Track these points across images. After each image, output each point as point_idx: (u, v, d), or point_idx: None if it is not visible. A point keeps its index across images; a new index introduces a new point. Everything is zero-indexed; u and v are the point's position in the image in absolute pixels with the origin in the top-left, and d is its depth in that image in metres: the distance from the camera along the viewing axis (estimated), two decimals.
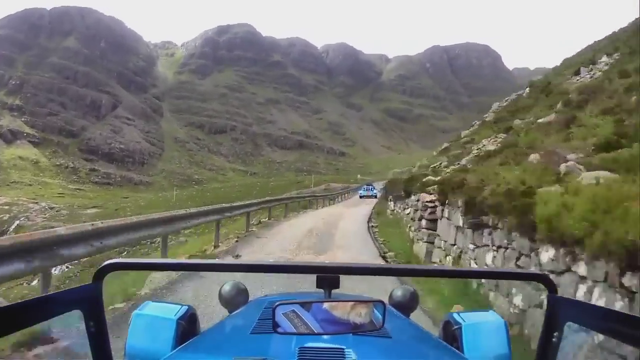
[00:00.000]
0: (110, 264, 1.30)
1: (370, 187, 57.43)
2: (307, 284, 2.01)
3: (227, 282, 2.82)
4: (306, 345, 1.52)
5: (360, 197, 52.75)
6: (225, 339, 1.97)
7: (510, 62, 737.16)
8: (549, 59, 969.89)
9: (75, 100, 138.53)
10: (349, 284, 1.63)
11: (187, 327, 2.11)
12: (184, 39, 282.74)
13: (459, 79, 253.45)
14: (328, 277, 1.46)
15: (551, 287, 1.29)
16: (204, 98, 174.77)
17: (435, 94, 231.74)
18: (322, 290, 1.49)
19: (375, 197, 49.99)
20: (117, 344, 1.67)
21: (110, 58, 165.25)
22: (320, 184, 67.15)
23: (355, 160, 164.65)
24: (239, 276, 2.98)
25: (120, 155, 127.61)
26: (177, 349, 1.82)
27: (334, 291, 1.49)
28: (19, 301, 1.04)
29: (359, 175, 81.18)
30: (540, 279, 1.36)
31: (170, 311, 2.12)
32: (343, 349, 1.50)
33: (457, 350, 1.95)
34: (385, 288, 3.01)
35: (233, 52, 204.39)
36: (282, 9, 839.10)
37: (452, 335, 2.13)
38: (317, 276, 1.44)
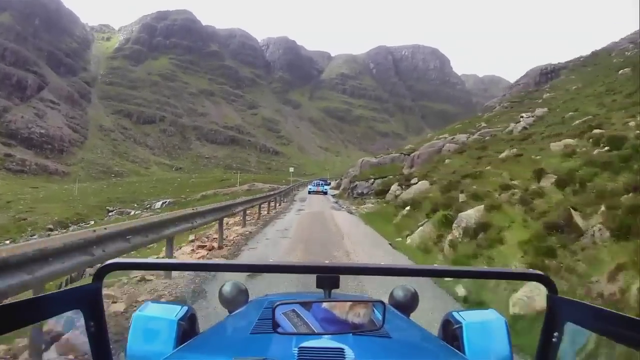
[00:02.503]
0: (111, 264, 1.34)
1: (321, 182, 57.15)
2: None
3: (227, 282, 2.86)
4: (306, 345, 1.55)
5: (309, 192, 51.80)
6: (225, 339, 2.01)
7: (459, 67, 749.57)
8: (497, 66, 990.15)
9: (0, 79, 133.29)
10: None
11: (187, 328, 2.16)
12: (123, 23, 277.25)
13: (403, 81, 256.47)
14: (328, 277, 1.49)
15: (551, 287, 1.31)
16: (135, 85, 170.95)
17: (378, 96, 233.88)
18: (322, 290, 1.53)
19: (325, 193, 49.72)
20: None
21: (43, 37, 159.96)
22: (247, 183, 65.82)
23: (289, 160, 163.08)
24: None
25: (40, 141, 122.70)
26: (177, 349, 1.86)
27: (334, 291, 1.53)
28: (19, 300, 1.07)
29: (291, 169, 79.17)
30: (540, 279, 1.38)
31: (171, 312, 2.16)
32: (343, 348, 1.53)
33: (457, 350, 1.99)
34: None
35: (170, 40, 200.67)
36: None
37: (452, 334, 2.16)
38: (317, 276, 1.48)
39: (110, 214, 53.14)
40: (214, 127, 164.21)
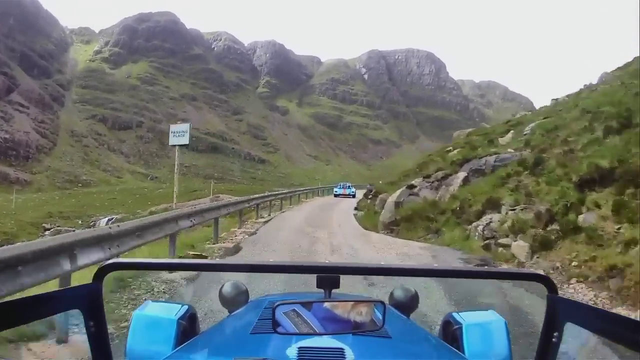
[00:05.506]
0: (111, 263, 1.36)
1: (347, 184, 58.21)
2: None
3: (227, 282, 2.95)
4: (306, 345, 1.58)
5: (335, 196, 53.78)
6: (226, 339, 2.06)
7: (456, 72, 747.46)
8: (494, 72, 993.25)
9: None
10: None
11: (188, 327, 2.21)
12: (105, 26, 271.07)
13: (397, 86, 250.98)
14: (328, 277, 1.52)
15: (551, 287, 1.33)
16: (112, 89, 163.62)
17: (370, 101, 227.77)
18: (322, 290, 1.56)
19: (353, 196, 50.46)
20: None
21: (17, 37, 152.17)
22: (221, 194, 58.61)
23: (276, 169, 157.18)
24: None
25: (4, 147, 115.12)
26: (177, 349, 1.91)
27: (334, 291, 1.56)
28: (19, 297, 1.08)
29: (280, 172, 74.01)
30: (541, 279, 1.39)
31: (171, 311, 2.21)
32: (343, 348, 1.57)
33: (457, 350, 2.03)
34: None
35: (151, 42, 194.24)
36: (211, 1, 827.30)
37: (452, 335, 2.23)
38: (317, 276, 1.51)
39: (46, 232, 46.37)
40: (195, 134, 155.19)
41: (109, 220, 47.34)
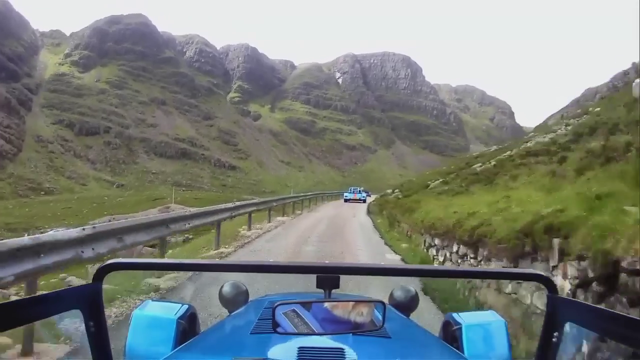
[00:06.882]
0: (110, 264, 1.36)
1: (358, 189, 57.37)
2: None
3: (227, 282, 2.98)
4: (306, 345, 1.60)
5: (345, 200, 52.94)
6: (225, 339, 2.08)
7: (432, 76, 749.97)
8: (471, 76, 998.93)
9: None
10: None
11: (187, 327, 2.23)
12: (76, 29, 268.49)
13: (372, 90, 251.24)
14: (328, 277, 1.53)
15: (551, 287, 1.34)
16: (80, 93, 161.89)
17: (345, 106, 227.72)
18: (322, 290, 1.58)
19: (364, 201, 50.15)
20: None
21: None
22: (185, 202, 56.72)
23: (247, 176, 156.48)
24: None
25: None
26: (177, 349, 1.92)
27: (334, 291, 1.57)
28: (19, 298, 1.12)
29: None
30: (541, 279, 1.41)
31: (171, 310, 2.23)
32: (343, 348, 1.60)
33: (457, 351, 2.06)
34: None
35: (121, 45, 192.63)
36: (184, 4, 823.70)
37: (452, 335, 2.25)
38: (317, 276, 1.52)
39: None
40: (164, 139, 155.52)
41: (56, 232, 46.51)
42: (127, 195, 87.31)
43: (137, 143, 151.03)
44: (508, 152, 35.43)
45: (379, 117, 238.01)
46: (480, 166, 34.04)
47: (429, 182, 35.89)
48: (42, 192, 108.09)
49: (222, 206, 17.75)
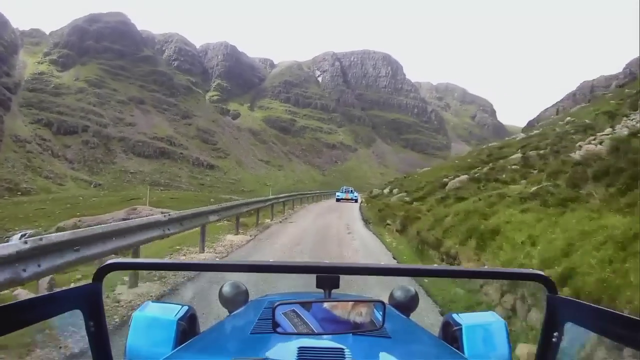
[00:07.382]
0: (110, 264, 1.37)
1: (350, 189, 58.14)
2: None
3: (227, 282, 2.99)
4: (306, 345, 1.60)
5: (337, 200, 53.17)
6: (225, 339, 2.10)
7: (413, 74, 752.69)
8: (452, 74, 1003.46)
9: None
10: None
11: (187, 328, 2.23)
12: (55, 27, 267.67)
13: (352, 89, 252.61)
14: (328, 277, 1.53)
15: (551, 287, 1.34)
16: (59, 92, 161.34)
17: (325, 105, 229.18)
18: (322, 290, 1.57)
19: (356, 201, 50.99)
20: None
21: None
22: (161, 203, 55.79)
23: (225, 175, 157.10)
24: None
25: None
26: (177, 349, 1.92)
27: (334, 291, 1.57)
28: (19, 300, 1.09)
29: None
30: (540, 279, 1.40)
31: (171, 311, 2.24)
32: (343, 348, 1.59)
33: (457, 351, 2.06)
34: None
35: (100, 43, 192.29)
36: (164, 3, 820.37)
37: (452, 335, 2.24)
38: (317, 276, 1.52)
39: None
40: (142, 138, 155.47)
41: (22, 235, 47.22)
42: (102, 195, 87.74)
43: (115, 142, 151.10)
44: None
45: (360, 115, 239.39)
46: (524, 155, 26.09)
47: (445, 180, 27.71)
48: (19, 193, 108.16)
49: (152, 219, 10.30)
